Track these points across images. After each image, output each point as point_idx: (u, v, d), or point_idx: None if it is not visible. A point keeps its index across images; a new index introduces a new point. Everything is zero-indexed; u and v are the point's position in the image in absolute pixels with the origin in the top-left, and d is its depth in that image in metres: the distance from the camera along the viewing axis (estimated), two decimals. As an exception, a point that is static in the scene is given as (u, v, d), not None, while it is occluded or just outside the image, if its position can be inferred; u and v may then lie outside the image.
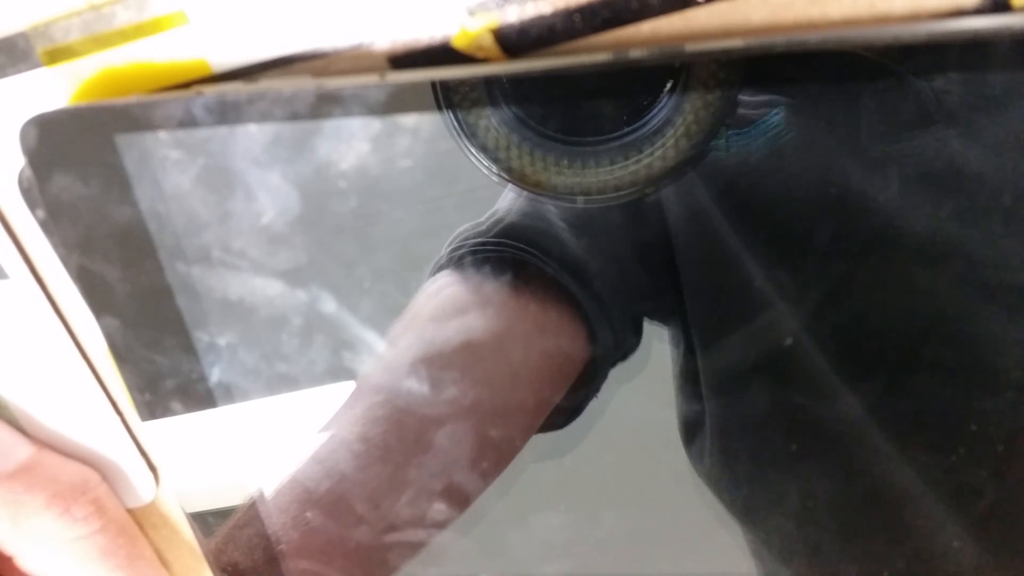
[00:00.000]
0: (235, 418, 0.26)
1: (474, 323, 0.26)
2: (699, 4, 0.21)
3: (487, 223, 0.26)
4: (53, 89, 0.24)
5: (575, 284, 0.26)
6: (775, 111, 0.22)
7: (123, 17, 0.23)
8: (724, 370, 0.26)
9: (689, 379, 0.27)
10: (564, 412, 0.28)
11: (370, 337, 0.25)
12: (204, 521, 0.28)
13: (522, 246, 0.26)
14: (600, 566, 0.29)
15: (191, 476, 0.28)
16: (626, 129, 0.22)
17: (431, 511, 0.28)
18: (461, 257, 0.26)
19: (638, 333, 0.27)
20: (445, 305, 0.26)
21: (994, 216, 0.22)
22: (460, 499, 0.28)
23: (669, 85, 0.21)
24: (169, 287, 0.25)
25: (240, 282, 0.25)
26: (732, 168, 0.23)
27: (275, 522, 0.27)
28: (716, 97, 0.21)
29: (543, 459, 0.28)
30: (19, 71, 0.24)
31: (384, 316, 0.25)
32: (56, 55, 0.24)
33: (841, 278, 0.24)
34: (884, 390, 0.25)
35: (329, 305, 0.25)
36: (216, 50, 0.23)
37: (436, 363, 0.26)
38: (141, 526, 0.30)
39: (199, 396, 0.26)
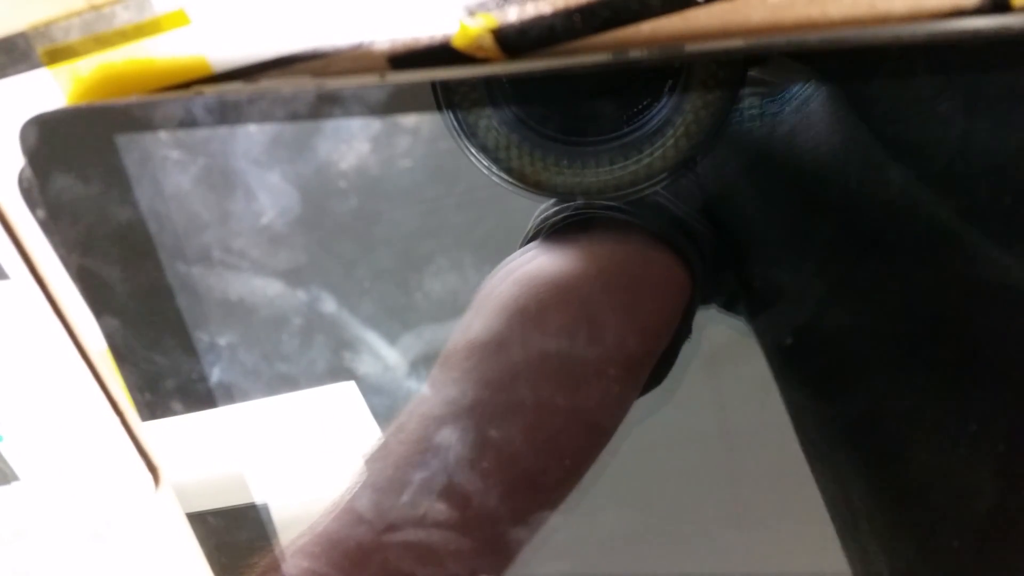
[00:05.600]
0: (235, 418, 0.26)
1: (573, 271, 0.25)
2: (699, 4, 0.21)
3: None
4: (53, 89, 0.24)
5: (656, 221, 0.25)
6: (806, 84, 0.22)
7: (123, 17, 0.23)
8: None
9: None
10: (662, 360, 0.26)
11: (370, 337, 0.25)
12: (204, 521, 0.28)
13: (600, 203, 0.24)
14: (600, 566, 0.29)
15: (191, 476, 0.28)
16: (626, 129, 0.22)
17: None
18: (547, 228, 0.25)
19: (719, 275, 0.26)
20: (532, 272, 0.25)
21: (995, 215, 0.22)
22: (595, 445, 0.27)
23: (669, 85, 0.21)
24: (169, 287, 0.25)
25: (240, 282, 0.25)
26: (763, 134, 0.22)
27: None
28: (716, 97, 0.21)
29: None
30: (19, 71, 0.24)
31: (384, 316, 0.25)
32: (56, 55, 0.24)
33: (840, 277, 0.24)
34: (884, 389, 0.25)
35: (329, 305, 0.25)
36: (216, 50, 0.23)
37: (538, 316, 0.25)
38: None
39: (199, 396, 0.26)
